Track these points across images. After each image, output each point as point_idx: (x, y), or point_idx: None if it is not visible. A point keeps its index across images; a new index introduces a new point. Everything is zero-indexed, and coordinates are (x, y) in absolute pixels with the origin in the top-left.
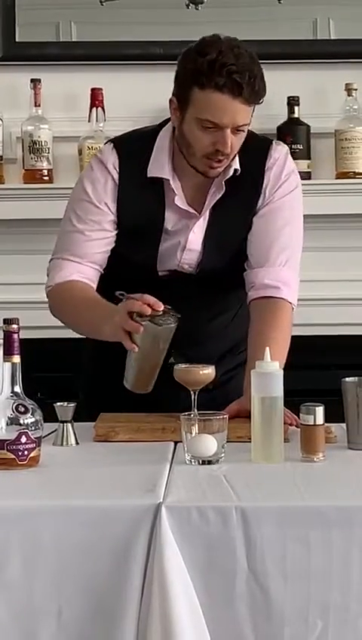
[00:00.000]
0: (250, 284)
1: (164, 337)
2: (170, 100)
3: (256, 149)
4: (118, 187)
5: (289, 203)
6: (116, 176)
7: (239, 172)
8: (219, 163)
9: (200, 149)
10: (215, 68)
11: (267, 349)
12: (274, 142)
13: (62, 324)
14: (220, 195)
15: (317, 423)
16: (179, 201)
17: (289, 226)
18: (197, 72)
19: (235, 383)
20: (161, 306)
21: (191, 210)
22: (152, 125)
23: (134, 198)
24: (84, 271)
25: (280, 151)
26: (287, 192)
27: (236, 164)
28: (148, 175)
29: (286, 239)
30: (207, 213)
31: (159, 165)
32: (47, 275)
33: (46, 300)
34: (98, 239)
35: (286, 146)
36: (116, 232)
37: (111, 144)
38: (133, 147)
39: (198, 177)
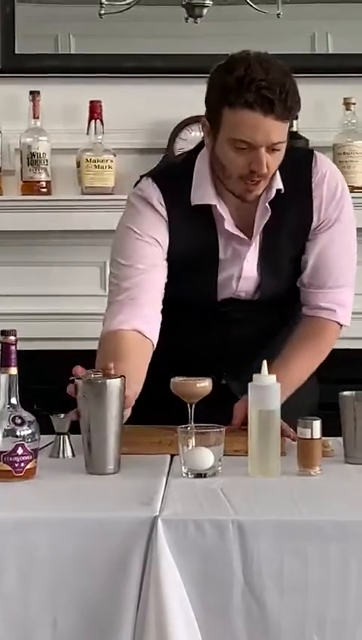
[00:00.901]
0: (305, 301)
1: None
2: (202, 123)
3: (297, 164)
4: (168, 222)
5: (345, 223)
6: (164, 212)
7: (283, 191)
8: (256, 185)
9: (235, 171)
10: (243, 84)
11: (264, 362)
12: (315, 153)
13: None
14: (267, 218)
15: (314, 437)
16: (229, 225)
17: (346, 247)
18: (225, 90)
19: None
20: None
21: (241, 235)
22: (184, 152)
23: (185, 231)
24: (144, 314)
25: (325, 164)
26: (341, 211)
27: (278, 184)
28: (193, 204)
29: (344, 262)
30: (257, 239)
31: (202, 192)
32: (104, 321)
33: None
34: (152, 273)
35: (327, 158)
36: (166, 264)
37: (150, 178)
38: (173, 178)
39: (240, 202)
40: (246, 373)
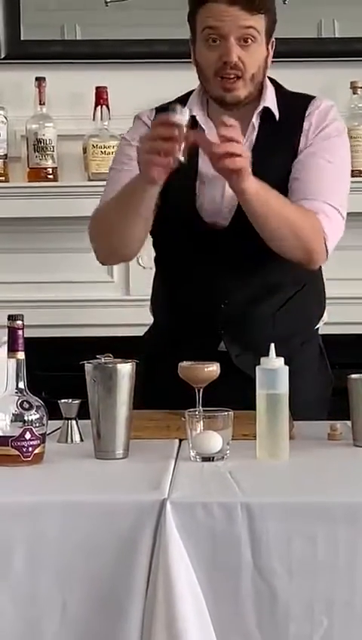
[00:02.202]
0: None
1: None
2: (189, 40)
3: (297, 99)
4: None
5: (334, 143)
6: (149, 123)
7: (278, 118)
8: (233, 83)
9: (210, 69)
10: None
11: (272, 345)
12: (320, 98)
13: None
14: (254, 136)
15: None
16: (211, 137)
17: (333, 165)
18: None
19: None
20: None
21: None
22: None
23: None
24: None
25: (323, 101)
26: (333, 135)
27: (268, 102)
28: None
29: (330, 178)
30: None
31: (190, 106)
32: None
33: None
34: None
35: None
36: None
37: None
38: (170, 104)
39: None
40: (246, 335)
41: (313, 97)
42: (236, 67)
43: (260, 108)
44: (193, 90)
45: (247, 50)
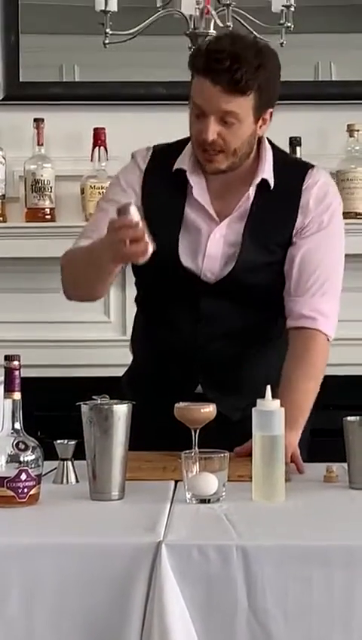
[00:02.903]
0: (288, 312)
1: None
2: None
3: (294, 167)
4: (143, 177)
5: (332, 231)
6: (143, 166)
7: (272, 186)
8: (213, 157)
9: (193, 136)
10: (202, 52)
11: (268, 387)
12: (316, 166)
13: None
14: (249, 205)
15: None
16: (199, 195)
17: (332, 255)
18: (192, 59)
19: None
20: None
21: (211, 210)
22: None
23: (158, 190)
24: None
25: (322, 173)
26: (331, 221)
27: (266, 174)
28: (173, 168)
29: (328, 270)
30: (230, 220)
31: (182, 159)
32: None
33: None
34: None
35: (328, 174)
36: None
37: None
38: (168, 149)
39: (224, 181)
40: (223, 380)
41: (310, 167)
42: (214, 144)
43: (258, 180)
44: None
45: (229, 128)
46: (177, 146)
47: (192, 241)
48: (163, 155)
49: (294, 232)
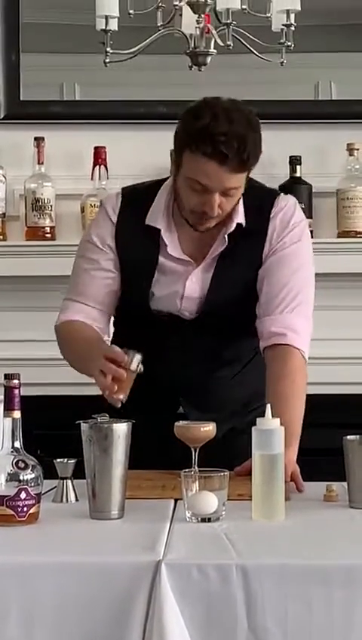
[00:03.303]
0: (260, 334)
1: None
2: (170, 152)
3: (262, 201)
4: (116, 230)
5: (297, 251)
6: (114, 219)
7: (244, 225)
8: (208, 221)
9: (188, 206)
10: (205, 135)
11: (268, 406)
12: (281, 194)
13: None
14: (223, 248)
15: None
16: (173, 251)
17: (298, 273)
18: (189, 135)
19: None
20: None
21: (186, 258)
22: (162, 178)
23: (131, 243)
24: (87, 311)
25: (286, 200)
26: (295, 241)
27: (240, 219)
28: (146, 223)
29: (295, 286)
30: (206, 263)
31: (155, 215)
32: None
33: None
34: (100, 278)
35: (293, 197)
36: (118, 272)
37: (119, 191)
38: (137, 196)
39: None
40: (199, 399)
41: (276, 195)
42: (213, 216)
43: (232, 228)
44: (163, 181)
45: (228, 197)
46: (147, 193)
47: (170, 285)
48: (133, 204)
49: (263, 258)
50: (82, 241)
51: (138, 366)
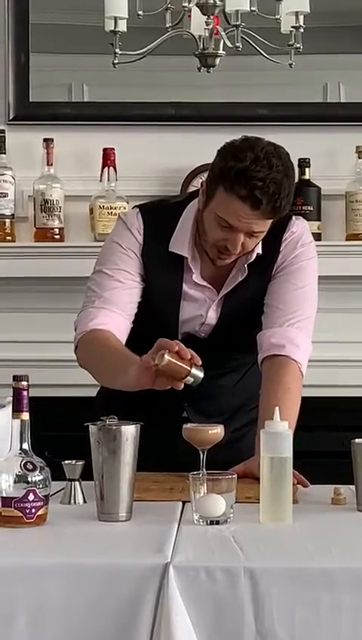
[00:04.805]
0: (259, 345)
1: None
2: (201, 183)
3: (276, 226)
4: (143, 249)
5: (303, 269)
6: (141, 239)
7: (261, 252)
8: (228, 257)
9: (211, 240)
10: (242, 178)
11: (276, 409)
12: (293, 217)
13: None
14: (242, 278)
15: None
16: (197, 278)
17: (302, 290)
18: (226, 174)
19: (247, 441)
20: (198, 361)
21: (208, 285)
22: (180, 195)
23: (156, 267)
24: (118, 321)
25: (298, 225)
26: (301, 260)
27: (259, 249)
28: (170, 249)
29: (298, 302)
30: (225, 291)
31: (180, 242)
32: (76, 325)
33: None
34: (131, 288)
35: (305, 221)
36: (143, 286)
37: (138, 210)
38: (159, 218)
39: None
40: (203, 403)
41: (288, 218)
42: (235, 254)
43: (253, 258)
44: (193, 194)
45: (253, 239)
46: (168, 215)
47: (192, 311)
48: (155, 226)
49: (271, 277)
50: (105, 254)
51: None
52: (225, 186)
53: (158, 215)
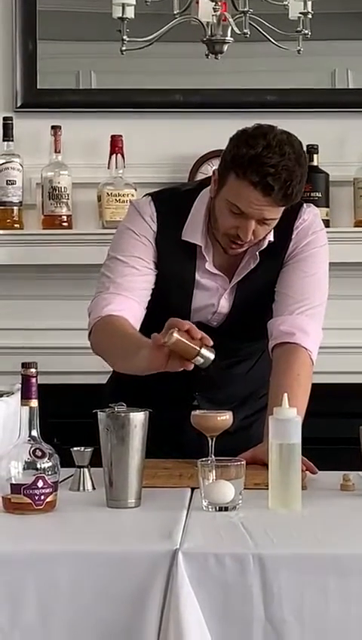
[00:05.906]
0: (270, 333)
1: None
2: (213, 171)
3: (287, 214)
4: (156, 236)
5: (312, 257)
6: (154, 227)
7: (273, 239)
8: (240, 246)
9: (223, 228)
10: (254, 164)
11: (285, 395)
12: (305, 204)
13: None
14: (254, 266)
15: None
16: (210, 266)
17: (313, 278)
18: (238, 161)
19: (256, 428)
20: (209, 342)
21: (220, 274)
22: (191, 183)
23: (169, 255)
24: (133, 307)
25: (309, 212)
26: (312, 248)
27: (271, 236)
28: (183, 238)
29: (308, 290)
30: (237, 279)
31: (193, 230)
32: (90, 312)
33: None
34: (145, 275)
35: (316, 208)
36: (156, 273)
37: (150, 198)
38: (171, 206)
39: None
40: (213, 393)
41: (300, 206)
42: (246, 242)
43: (265, 245)
44: (204, 182)
45: (264, 226)
46: (180, 203)
47: (204, 300)
48: (168, 214)
49: (283, 265)
50: (118, 241)
51: (174, 339)
52: (237, 172)
53: (171, 203)
